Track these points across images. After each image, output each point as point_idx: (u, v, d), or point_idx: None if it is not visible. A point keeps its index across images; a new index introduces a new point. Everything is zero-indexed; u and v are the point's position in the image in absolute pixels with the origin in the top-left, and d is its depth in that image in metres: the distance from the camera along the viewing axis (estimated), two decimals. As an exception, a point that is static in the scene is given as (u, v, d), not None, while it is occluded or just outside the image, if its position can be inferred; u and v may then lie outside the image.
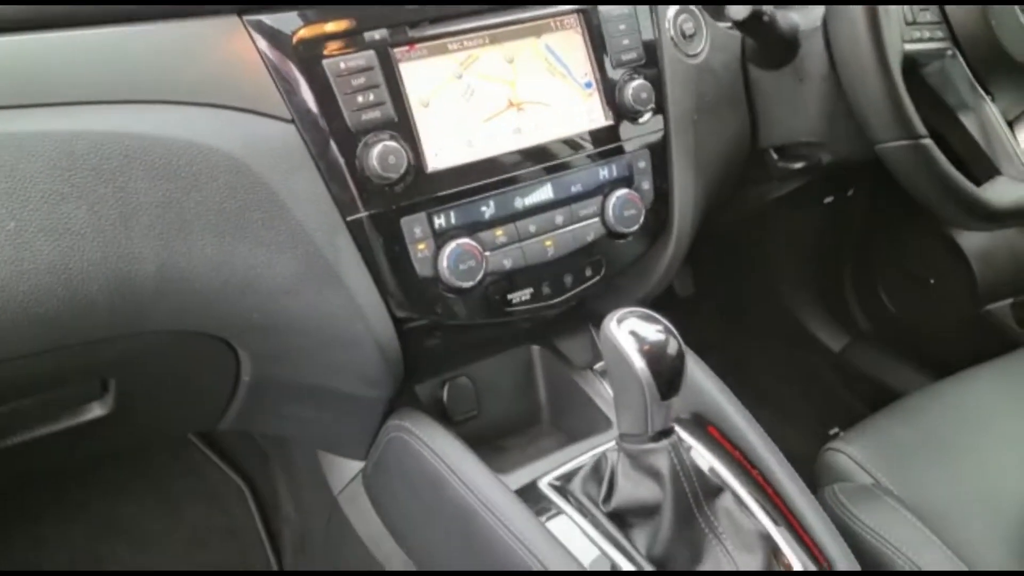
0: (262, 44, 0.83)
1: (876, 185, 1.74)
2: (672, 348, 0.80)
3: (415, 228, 0.88)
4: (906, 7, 1.14)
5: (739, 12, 1.08)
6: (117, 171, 0.74)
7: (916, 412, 1.25)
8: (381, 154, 0.84)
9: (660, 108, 1.04)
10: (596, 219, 0.99)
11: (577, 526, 0.87)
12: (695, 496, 0.83)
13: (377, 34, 0.87)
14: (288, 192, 0.82)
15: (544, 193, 0.96)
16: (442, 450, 0.93)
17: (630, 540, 0.86)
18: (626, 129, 1.01)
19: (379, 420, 1.01)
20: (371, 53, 0.86)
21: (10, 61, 0.73)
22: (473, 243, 0.91)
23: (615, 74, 1.01)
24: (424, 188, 0.89)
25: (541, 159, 0.96)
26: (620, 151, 1.01)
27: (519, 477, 0.94)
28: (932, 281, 1.74)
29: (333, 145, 0.84)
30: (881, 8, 1.04)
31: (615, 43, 1.01)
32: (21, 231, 0.71)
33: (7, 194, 0.70)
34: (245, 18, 0.83)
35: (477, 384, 1.08)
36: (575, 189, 0.98)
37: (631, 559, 0.84)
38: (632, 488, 0.84)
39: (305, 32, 0.84)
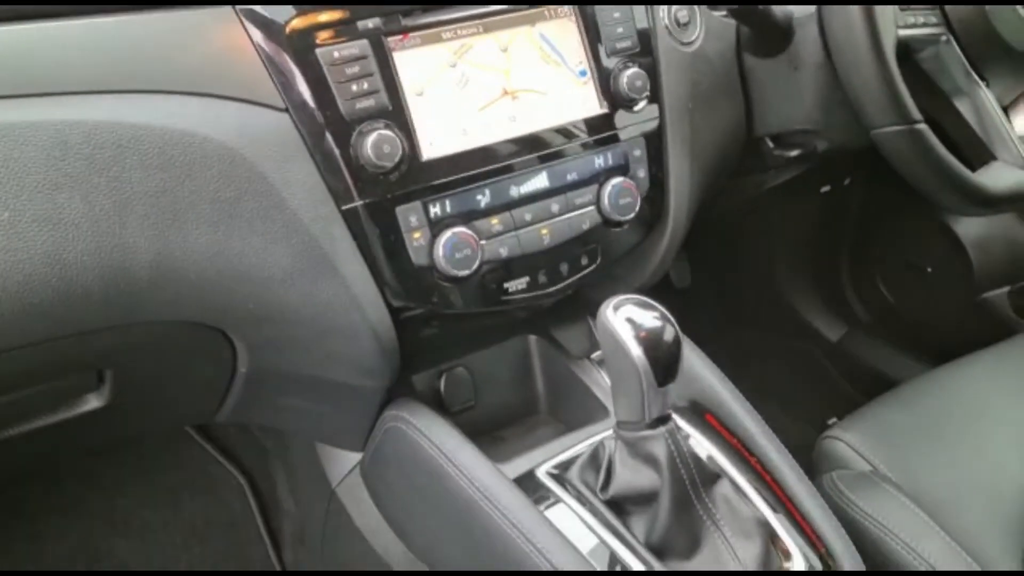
0: (255, 33, 0.83)
1: (873, 174, 1.74)
2: (668, 335, 0.80)
3: (410, 217, 0.88)
4: None
5: None
6: (111, 161, 0.74)
7: (913, 399, 1.25)
8: (376, 143, 0.84)
9: (655, 96, 1.04)
10: (592, 207, 0.99)
11: (575, 514, 0.87)
12: (693, 483, 0.83)
13: (371, 23, 0.87)
14: (283, 181, 0.82)
15: (540, 181, 0.96)
16: (440, 440, 0.93)
17: (628, 528, 0.86)
18: (621, 117, 1.01)
19: (376, 411, 1.01)
20: (364, 42, 0.86)
21: (2, 51, 0.73)
22: (469, 232, 0.91)
23: (610, 62, 1.00)
24: (419, 177, 0.89)
25: (536, 147, 0.96)
26: (615, 139, 1.01)
27: (517, 466, 0.94)
28: (929, 270, 1.74)
29: (327, 134, 0.84)
30: (875, -6, 1.04)
31: (609, 31, 1.01)
32: (15, 221, 0.71)
33: (1, 184, 0.70)
34: (238, 7, 0.83)
35: (474, 374, 1.08)
36: (571, 177, 0.98)
37: (629, 547, 0.84)
38: (630, 476, 0.84)
39: (298, 21, 0.84)
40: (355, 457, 1.11)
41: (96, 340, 0.81)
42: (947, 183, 1.09)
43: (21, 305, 0.72)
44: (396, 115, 0.87)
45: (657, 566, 0.83)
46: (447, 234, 0.89)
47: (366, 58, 0.86)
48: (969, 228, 1.64)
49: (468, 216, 0.91)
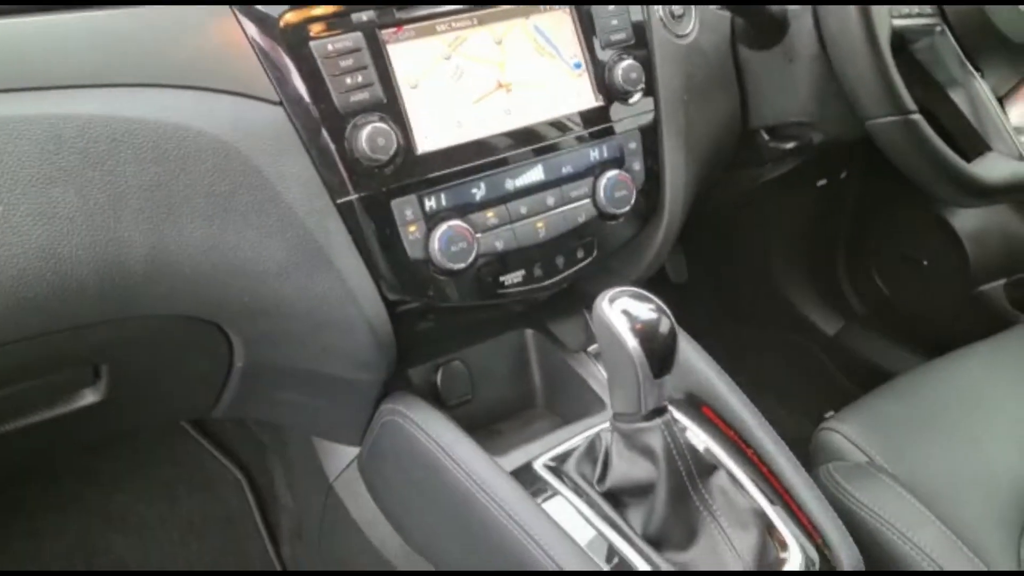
0: (249, 26, 0.83)
1: (869, 168, 1.74)
2: (664, 326, 0.80)
3: (406, 210, 0.88)
4: None
5: None
6: (105, 155, 0.74)
7: (910, 391, 1.26)
8: (370, 136, 0.84)
9: (650, 89, 1.04)
10: (587, 200, 0.99)
11: (572, 506, 0.87)
12: (689, 474, 0.83)
13: (364, 15, 0.87)
14: (277, 175, 0.82)
15: (535, 174, 0.96)
16: (436, 433, 0.93)
17: (625, 519, 0.86)
18: (616, 110, 1.01)
19: (373, 404, 1.01)
20: (359, 35, 0.86)
21: (-4, 45, 0.73)
22: (464, 225, 0.90)
23: (604, 55, 1.00)
24: (414, 170, 0.88)
25: (531, 140, 0.96)
26: (610, 132, 1.01)
27: (514, 459, 0.94)
28: (925, 263, 1.74)
29: (322, 127, 0.84)
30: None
31: (604, 24, 1.00)
32: (9, 215, 0.70)
33: None
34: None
35: (471, 368, 1.08)
36: (566, 170, 0.98)
37: (626, 538, 0.84)
38: (626, 467, 0.84)
39: (292, 14, 0.83)
40: (352, 451, 1.11)
41: (91, 334, 0.81)
42: (942, 174, 1.10)
43: (16, 299, 0.72)
44: (390, 108, 0.87)
45: (654, 557, 0.83)
46: (442, 227, 0.89)
47: (360, 51, 0.86)
48: (965, 221, 1.64)
49: (463, 209, 0.91)
